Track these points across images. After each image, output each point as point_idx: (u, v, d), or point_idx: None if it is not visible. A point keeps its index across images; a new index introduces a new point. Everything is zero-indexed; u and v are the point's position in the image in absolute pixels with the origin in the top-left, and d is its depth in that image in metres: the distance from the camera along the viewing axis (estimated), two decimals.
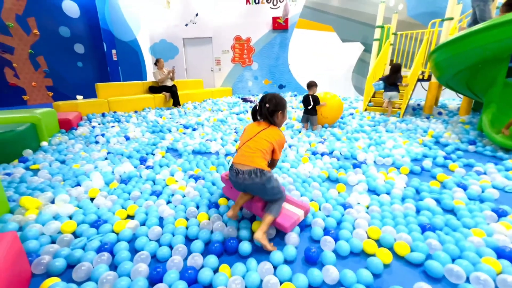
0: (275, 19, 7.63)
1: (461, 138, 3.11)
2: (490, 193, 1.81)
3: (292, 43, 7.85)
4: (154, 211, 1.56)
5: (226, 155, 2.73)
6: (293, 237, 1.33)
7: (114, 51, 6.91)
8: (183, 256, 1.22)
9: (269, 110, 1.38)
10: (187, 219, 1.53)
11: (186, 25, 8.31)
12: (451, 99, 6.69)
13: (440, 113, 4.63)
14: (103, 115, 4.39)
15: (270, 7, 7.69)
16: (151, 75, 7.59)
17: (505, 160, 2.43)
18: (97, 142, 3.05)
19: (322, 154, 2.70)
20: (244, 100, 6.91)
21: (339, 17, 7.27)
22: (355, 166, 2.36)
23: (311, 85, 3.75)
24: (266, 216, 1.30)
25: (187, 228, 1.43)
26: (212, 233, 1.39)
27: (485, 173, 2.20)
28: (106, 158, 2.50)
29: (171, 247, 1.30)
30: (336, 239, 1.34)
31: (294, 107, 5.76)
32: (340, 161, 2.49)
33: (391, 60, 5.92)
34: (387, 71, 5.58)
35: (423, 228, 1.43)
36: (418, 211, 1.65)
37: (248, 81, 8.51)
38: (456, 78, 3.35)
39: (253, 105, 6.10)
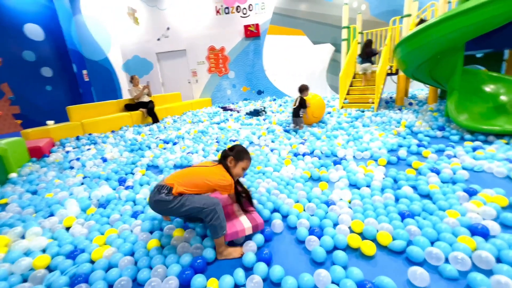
0: (246, 27, 7.77)
1: (431, 125, 3.28)
2: (460, 174, 1.92)
3: (266, 49, 8.01)
4: (130, 235, 1.49)
5: None
6: (250, 245, 1.33)
7: (85, 72, 6.70)
8: (162, 277, 1.18)
9: (224, 152, 1.46)
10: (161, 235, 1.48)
11: (158, 39, 8.26)
12: (420, 89, 7.07)
13: (410, 104, 4.87)
14: (77, 138, 4.21)
15: (241, 16, 7.83)
16: (127, 92, 7.43)
17: (471, 141, 2.60)
18: (71, 168, 2.91)
19: (304, 155, 2.75)
20: (224, 109, 6.91)
21: (308, 21, 7.53)
22: (335, 163, 2.41)
23: (302, 89, 3.84)
24: (214, 241, 1.31)
25: (162, 247, 1.39)
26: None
27: (455, 156, 2.33)
28: (82, 183, 2.39)
29: (151, 268, 1.26)
30: (321, 237, 1.35)
31: (274, 111, 5.83)
32: (322, 160, 2.54)
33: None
34: (357, 69, 5.82)
35: (403, 216, 1.48)
36: (397, 200, 1.71)
37: (227, 89, 8.54)
38: (420, 69, 3.55)
39: (233, 113, 6.14)
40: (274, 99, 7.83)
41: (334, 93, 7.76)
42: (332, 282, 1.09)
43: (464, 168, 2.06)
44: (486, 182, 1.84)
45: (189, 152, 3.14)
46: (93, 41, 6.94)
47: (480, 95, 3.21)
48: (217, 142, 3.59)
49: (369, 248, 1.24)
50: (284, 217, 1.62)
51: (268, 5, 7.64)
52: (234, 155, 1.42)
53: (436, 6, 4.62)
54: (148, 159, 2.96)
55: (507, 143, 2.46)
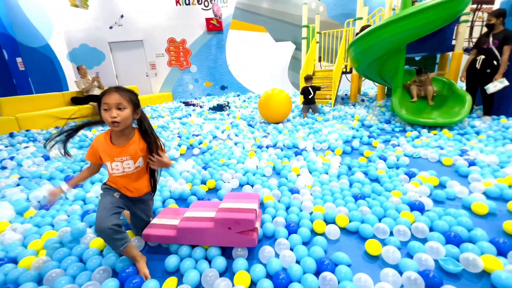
0: (208, 20, 7.57)
1: (380, 119, 3.63)
2: (403, 160, 2.17)
3: (229, 44, 7.92)
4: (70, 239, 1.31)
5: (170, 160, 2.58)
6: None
7: (19, 60, 5.81)
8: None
9: None
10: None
11: (111, 27, 7.57)
12: (370, 88, 7.76)
13: (362, 100, 5.33)
14: (11, 135, 3.64)
15: (202, 8, 7.60)
16: (74, 84, 6.66)
17: (411, 131, 2.96)
18: (3, 168, 2.51)
19: (267, 147, 2.81)
20: (187, 104, 6.67)
21: (270, 18, 7.66)
22: (296, 153, 2.52)
23: (308, 78, 4.27)
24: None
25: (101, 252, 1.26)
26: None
27: (398, 145, 2.63)
28: (18, 185, 2.08)
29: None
30: (288, 224, 1.38)
31: (238, 107, 5.83)
32: (284, 151, 2.63)
33: (319, 56, 6.54)
34: (317, 67, 6.13)
35: (356, 198, 1.62)
36: (351, 184, 1.86)
37: (189, 84, 8.24)
38: (370, 68, 3.90)
39: (196, 108, 5.96)
40: (238, 95, 7.82)
41: (295, 90, 8.05)
42: (296, 262, 1.14)
43: (405, 155, 2.34)
44: (422, 166, 2.12)
45: None
46: (29, 25, 6.04)
47: None
48: (178, 137, 3.45)
49: (333, 234, 1.32)
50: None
51: (230, 0, 7.55)
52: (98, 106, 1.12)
53: (383, 11, 5.09)
54: None
55: (436, 134, 2.86)
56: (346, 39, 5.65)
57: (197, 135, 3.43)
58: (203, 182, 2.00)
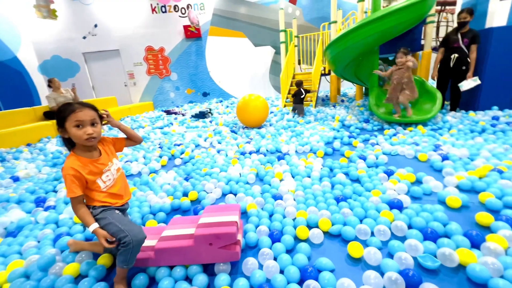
0: (186, 27, 7.51)
1: (359, 119, 3.73)
2: (382, 159, 2.23)
3: (209, 50, 7.89)
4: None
5: (150, 172, 2.51)
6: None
7: None
8: None
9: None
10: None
11: (84, 37, 7.33)
12: (350, 88, 7.98)
13: (342, 101, 5.46)
14: None
15: (179, 16, 7.53)
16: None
17: (388, 129, 3.06)
18: None
19: (250, 153, 2.79)
20: (168, 112, 6.54)
21: (248, 24, 7.72)
22: (279, 158, 2.52)
23: (299, 83, 4.53)
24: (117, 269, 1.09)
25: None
26: None
27: (377, 144, 2.70)
28: None
29: None
30: (272, 233, 1.36)
31: (221, 113, 5.79)
32: (267, 156, 2.63)
33: (299, 60, 6.65)
34: (297, 70, 6.23)
35: (338, 200, 1.64)
36: (333, 186, 1.88)
37: (170, 92, 8.10)
38: (347, 70, 4.01)
39: (178, 116, 5.86)
40: (221, 101, 7.78)
41: (277, 93, 8.13)
42: (280, 271, 1.12)
43: (384, 153, 2.41)
44: (400, 163, 2.19)
45: (127, 161, 2.86)
46: None
47: None
48: (160, 147, 3.36)
49: (316, 238, 1.32)
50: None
51: (207, 6, 7.54)
52: (58, 124, 1.05)
53: (356, 14, 5.27)
54: None
55: (412, 130, 2.98)
56: (323, 42, 5.79)
57: (179, 145, 3.36)
58: (185, 194, 1.94)
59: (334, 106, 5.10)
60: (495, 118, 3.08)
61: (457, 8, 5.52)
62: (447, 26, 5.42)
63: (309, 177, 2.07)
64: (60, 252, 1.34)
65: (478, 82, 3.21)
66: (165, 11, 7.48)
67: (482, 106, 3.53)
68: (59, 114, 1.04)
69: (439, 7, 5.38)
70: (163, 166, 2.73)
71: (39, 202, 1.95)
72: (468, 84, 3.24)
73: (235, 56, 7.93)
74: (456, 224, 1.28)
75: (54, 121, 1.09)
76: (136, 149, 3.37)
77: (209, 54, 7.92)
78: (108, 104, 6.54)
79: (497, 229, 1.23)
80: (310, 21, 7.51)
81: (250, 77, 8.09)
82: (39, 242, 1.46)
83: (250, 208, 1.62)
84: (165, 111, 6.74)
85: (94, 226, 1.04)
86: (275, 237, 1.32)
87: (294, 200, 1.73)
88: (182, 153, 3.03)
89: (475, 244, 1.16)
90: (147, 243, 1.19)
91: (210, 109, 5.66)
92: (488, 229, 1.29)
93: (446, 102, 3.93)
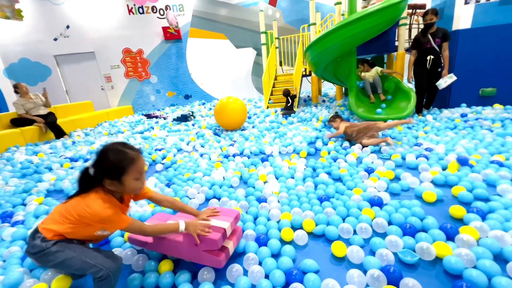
0: (165, 29, 7.34)
1: None
2: (362, 156, 2.29)
3: (189, 52, 7.76)
4: None
5: None
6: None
7: None
8: None
9: (89, 174, 0.94)
10: None
11: (56, 39, 6.95)
12: (330, 88, 8.17)
13: (323, 101, 5.58)
14: None
15: (158, 17, 7.35)
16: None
17: None
18: None
19: (234, 155, 2.77)
20: (149, 116, 6.34)
21: (229, 25, 7.68)
22: (263, 160, 2.52)
23: (287, 93, 4.83)
24: None
25: None
26: None
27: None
28: None
29: None
30: (258, 237, 1.34)
31: (204, 115, 5.71)
32: (251, 159, 2.61)
33: (280, 61, 6.72)
34: (279, 71, 6.28)
35: (321, 200, 1.66)
36: (316, 186, 1.90)
37: (150, 95, 7.87)
38: (326, 71, 4.09)
39: (159, 120, 5.70)
40: (203, 103, 7.67)
41: (260, 95, 8.15)
42: (266, 275, 1.11)
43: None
44: (379, 161, 2.25)
45: None
46: None
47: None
48: (140, 152, 3.24)
49: (301, 240, 1.32)
50: None
51: (186, 8, 7.42)
52: (110, 175, 0.91)
53: (334, 17, 5.41)
54: (49, 183, 2.42)
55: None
56: (303, 44, 5.89)
57: (160, 150, 3.26)
58: None
59: (315, 106, 5.20)
60: (463, 115, 3.28)
61: None
62: (418, 28, 5.71)
63: (293, 178, 2.08)
64: (29, 271, 1.24)
65: (454, 78, 3.26)
66: (143, 12, 7.27)
67: (453, 104, 3.74)
68: (113, 165, 0.89)
69: (410, 10, 5.66)
70: None
71: (5, 217, 1.80)
72: (445, 82, 3.27)
73: (217, 58, 7.86)
74: (432, 218, 1.33)
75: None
76: None
77: (190, 56, 7.79)
78: (84, 109, 6.23)
79: (469, 221, 1.29)
80: (290, 23, 7.61)
81: (232, 79, 8.05)
82: (4, 261, 1.35)
83: None
84: (145, 115, 6.54)
85: (182, 224, 1.05)
86: (261, 241, 1.31)
87: (278, 202, 1.73)
88: (163, 158, 2.95)
89: (450, 236, 1.22)
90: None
91: (192, 112, 5.56)
92: (461, 221, 1.36)
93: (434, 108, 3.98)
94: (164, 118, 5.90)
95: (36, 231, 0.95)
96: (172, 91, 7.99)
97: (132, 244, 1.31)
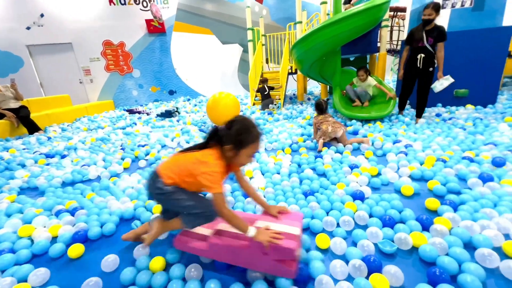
0: (148, 21, 7.11)
1: None
2: (346, 153, 2.36)
3: (174, 47, 7.58)
4: None
5: (111, 176, 2.33)
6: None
7: None
8: None
9: (217, 132, 1.05)
10: None
11: (28, 28, 6.52)
12: (315, 86, 8.32)
13: (309, 99, 5.67)
14: None
15: (141, 9, 7.10)
16: None
17: (350, 125, 3.25)
18: None
19: None
20: (131, 111, 6.15)
21: (215, 21, 7.58)
22: None
23: (264, 80, 5.07)
24: (175, 220, 1.16)
25: None
26: None
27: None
28: None
29: None
30: None
31: (189, 111, 5.61)
32: None
33: (266, 59, 6.73)
34: (265, 68, 6.30)
35: (306, 195, 1.69)
36: (301, 181, 1.94)
37: (132, 90, 7.62)
38: (312, 69, 4.17)
39: (142, 115, 5.53)
40: (188, 99, 7.54)
41: (246, 92, 8.14)
42: None
43: (347, 149, 2.55)
44: (363, 158, 2.33)
45: (84, 165, 2.61)
46: None
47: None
48: (122, 149, 3.14)
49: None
50: None
51: (171, 1, 7.22)
52: (234, 142, 1.00)
53: (319, 16, 5.50)
54: (22, 180, 2.29)
55: (371, 125, 3.22)
56: (289, 42, 5.94)
57: (143, 146, 3.17)
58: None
59: (301, 104, 5.27)
60: (438, 115, 3.46)
61: (407, 15, 6.10)
62: (399, 30, 5.93)
63: (279, 173, 2.11)
64: (1, 271, 1.17)
65: (452, 80, 2.93)
66: (125, 3, 6.99)
67: (429, 104, 3.93)
68: (244, 137, 1.00)
69: (392, 13, 5.87)
70: (125, 169, 2.55)
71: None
72: (440, 84, 2.97)
73: (203, 53, 7.74)
74: (409, 210, 1.40)
75: None
76: (94, 151, 3.10)
77: (174, 51, 7.61)
78: (60, 103, 5.91)
79: (443, 212, 1.37)
80: (276, 21, 7.64)
81: (218, 75, 7.98)
82: None
83: None
84: (127, 110, 6.33)
85: (253, 230, 0.99)
86: None
87: (264, 197, 1.74)
88: (147, 154, 2.87)
89: (425, 227, 1.29)
90: (203, 230, 1.19)
91: (177, 108, 5.45)
92: (435, 212, 1.44)
93: (408, 105, 3.95)
94: (147, 114, 5.74)
95: (157, 175, 1.09)
96: (155, 86, 7.78)
97: (180, 249, 1.18)
